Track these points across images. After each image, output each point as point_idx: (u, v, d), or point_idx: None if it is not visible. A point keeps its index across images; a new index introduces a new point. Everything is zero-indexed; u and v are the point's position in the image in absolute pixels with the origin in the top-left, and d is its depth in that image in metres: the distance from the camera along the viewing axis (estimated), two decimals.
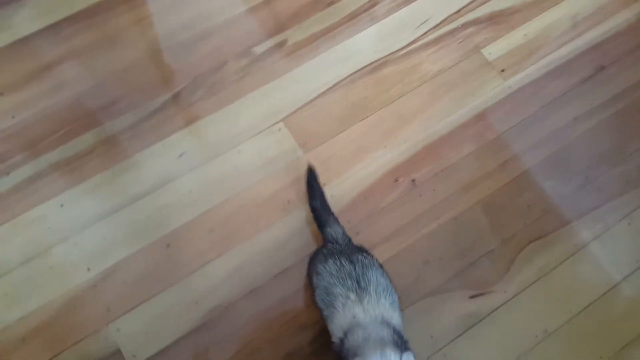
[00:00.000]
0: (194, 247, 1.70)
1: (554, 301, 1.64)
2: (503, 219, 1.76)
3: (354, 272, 1.34)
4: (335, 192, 1.79)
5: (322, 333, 1.55)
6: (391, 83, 1.98)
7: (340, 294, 1.32)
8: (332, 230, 1.56)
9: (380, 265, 1.45)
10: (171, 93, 1.95)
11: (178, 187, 1.80)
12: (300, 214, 1.75)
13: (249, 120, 1.92)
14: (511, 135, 1.88)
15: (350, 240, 1.57)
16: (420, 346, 1.58)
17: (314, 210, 1.66)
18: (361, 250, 1.52)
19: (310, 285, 1.53)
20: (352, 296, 1.29)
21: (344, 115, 1.93)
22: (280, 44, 2.07)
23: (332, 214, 1.65)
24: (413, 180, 1.82)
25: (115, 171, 1.83)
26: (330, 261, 1.40)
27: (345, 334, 1.24)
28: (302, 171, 1.82)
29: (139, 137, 1.88)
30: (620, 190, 1.81)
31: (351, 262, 1.37)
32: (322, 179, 1.79)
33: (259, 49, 2.05)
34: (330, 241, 1.56)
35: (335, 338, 1.31)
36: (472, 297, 1.65)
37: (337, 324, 1.30)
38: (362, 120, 1.92)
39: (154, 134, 1.89)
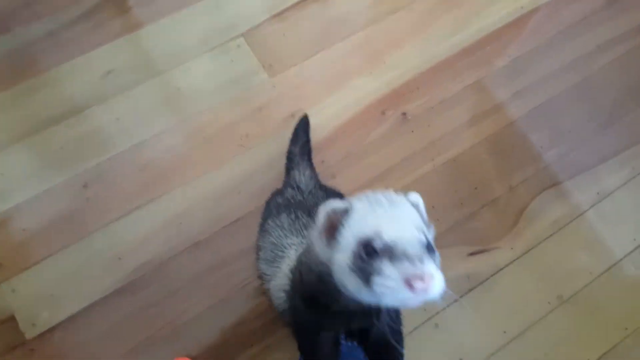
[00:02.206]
0: (119, 188, 1.27)
1: (571, 261, 1.28)
2: (512, 161, 1.38)
3: (312, 223, 0.97)
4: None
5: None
6: None
7: (293, 244, 0.96)
8: (300, 175, 1.16)
9: None
10: None
11: (102, 113, 1.34)
12: (261, 152, 1.33)
13: (201, 33, 1.46)
14: (524, 63, 1.48)
15: (316, 184, 1.18)
16: (406, 315, 1.21)
17: (290, 154, 1.28)
18: (328, 192, 1.15)
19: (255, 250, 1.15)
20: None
21: (322, 32, 1.49)
22: None
23: (310, 160, 1.27)
24: (404, 114, 1.42)
25: (23, 89, 1.36)
26: (284, 215, 1.04)
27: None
28: (266, 99, 1.40)
29: (57, 49, 1.41)
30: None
31: (310, 215, 1.01)
32: (291, 109, 1.38)
33: None
34: (291, 186, 1.17)
35: (278, 298, 0.95)
36: (471, 254, 1.28)
37: (282, 280, 0.94)
38: (344, 39, 1.49)
39: (76, 46, 1.42)
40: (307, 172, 1.18)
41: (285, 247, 0.98)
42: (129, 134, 1.31)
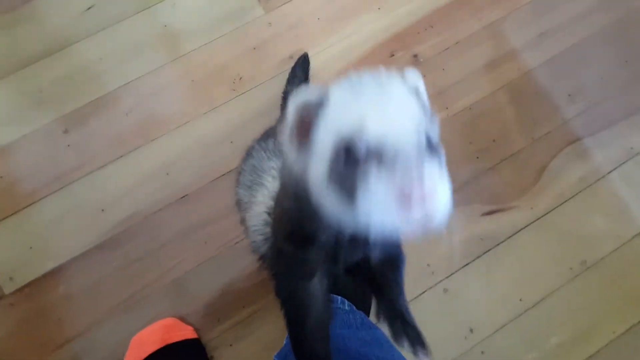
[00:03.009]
0: (102, 134, 1.14)
1: (597, 223, 1.14)
2: (535, 111, 1.21)
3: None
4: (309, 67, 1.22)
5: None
6: None
7: (273, 169, 0.79)
8: None
9: None
10: None
11: (83, 52, 1.20)
12: (255, 97, 1.19)
13: None
14: (551, 0, 1.30)
15: None
16: (414, 276, 1.10)
17: (285, 94, 1.14)
18: None
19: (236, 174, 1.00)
20: None
21: None
22: None
23: None
24: (415, 56, 1.25)
25: None
26: (270, 140, 0.88)
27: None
28: (261, 37, 1.24)
29: None
30: None
31: None
32: (289, 50, 1.22)
33: None
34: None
35: (254, 232, 0.79)
36: (486, 213, 1.14)
37: (258, 208, 0.79)
38: None
39: None
40: None
41: (264, 171, 0.82)
42: (112, 76, 1.17)
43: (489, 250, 1.12)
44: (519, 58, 1.24)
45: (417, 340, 0.63)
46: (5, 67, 1.19)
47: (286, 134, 0.51)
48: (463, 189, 1.16)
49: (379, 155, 0.43)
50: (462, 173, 1.16)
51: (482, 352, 1.07)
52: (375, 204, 0.42)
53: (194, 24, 1.23)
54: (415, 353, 0.62)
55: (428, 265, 1.10)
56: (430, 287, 1.10)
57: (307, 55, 1.19)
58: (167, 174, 1.13)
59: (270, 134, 0.93)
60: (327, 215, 0.49)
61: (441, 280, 1.10)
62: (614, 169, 1.18)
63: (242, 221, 0.93)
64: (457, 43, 1.25)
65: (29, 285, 1.04)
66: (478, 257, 1.12)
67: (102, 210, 1.09)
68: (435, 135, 0.49)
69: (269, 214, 0.76)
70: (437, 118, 0.51)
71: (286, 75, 1.19)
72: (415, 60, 1.24)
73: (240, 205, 0.94)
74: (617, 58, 1.27)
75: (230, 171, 1.13)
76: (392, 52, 1.24)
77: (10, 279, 1.05)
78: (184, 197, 1.11)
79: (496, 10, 1.27)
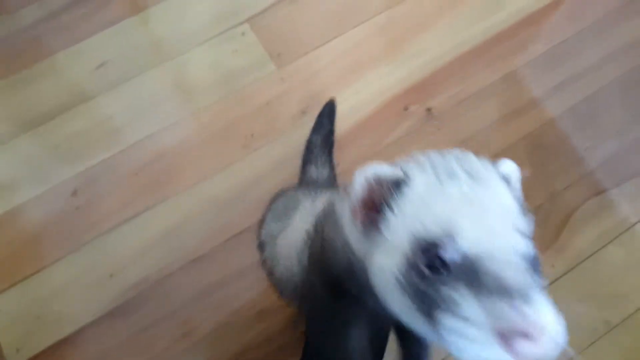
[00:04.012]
0: (111, 195, 1.11)
1: (621, 280, 1.09)
2: (553, 165, 1.17)
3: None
4: None
5: (290, 323, 1.02)
6: None
7: (308, 196, 0.74)
8: (316, 170, 1.00)
9: None
10: None
11: (93, 111, 1.18)
12: (267, 153, 1.15)
13: (200, 19, 1.27)
14: (570, 48, 1.26)
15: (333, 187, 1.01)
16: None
17: (309, 144, 1.09)
18: None
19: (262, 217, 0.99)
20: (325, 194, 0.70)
21: (334, 16, 1.29)
22: None
23: (331, 155, 1.08)
24: (429, 109, 1.22)
25: (8, 84, 1.20)
26: (298, 190, 0.86)
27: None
28: (274, 93, 1.21)
29: (44, 39, 1.24)
30: None
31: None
32: (301, 105, 1.20)
33: None
34: (305, 181, 1.01)
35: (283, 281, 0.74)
36: None
37: (294, 231, 0.72)
38: (360, 24, 1.28)
39: (66, 35, 1.24)
40: (326, 171, 1.00)
41: (300, 199, 0.75)
42: (121, 136, 1.14)
43: None
44: (533, 110, 1.21)
45: None
46: (5, 131, 1.15)
47: (348, 208, 0.44)
48: None
49: (472, 271, 0.34)
50: None
51: None
52: (465, 335, 0.33)
53: (204, 82, 1.21)
54: None
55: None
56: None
57: (334, 102, 1.15)
58: (178, 235, 1.08)
59: (296, 189, 0.90)
60: (389, 307, 0.40)
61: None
62: (637, 222, 1.15)
63: (263, 263, 0.88)
64: (470, 96, 1.22)
65: (36, 357, 0.99)
66: None
67: (111, 275, 1.04)
68: (531, 245, 0.40)
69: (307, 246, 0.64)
70: (532, 218, 0.41)
71: (298, 131, 1.16)
72: (429, 114, 1.21)
73: (265, 242, 0.88)
74: (633, 107, 1.24)
75: (242, 231, 1.09)
76: (406, 106, 1.21)
77: (17, 350, 0.99)
78: (195, 259, 1.07)
79: (509, 62, 1.24)
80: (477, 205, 0.37)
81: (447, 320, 0.34)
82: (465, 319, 0.33)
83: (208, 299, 1.04)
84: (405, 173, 0.43)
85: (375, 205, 0.42)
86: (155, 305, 1.04)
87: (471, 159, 0.42)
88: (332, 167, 1.07)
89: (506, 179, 0.43)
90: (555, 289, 1.08)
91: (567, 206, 1.14)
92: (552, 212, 1.14)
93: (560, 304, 1.13)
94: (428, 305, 0.36)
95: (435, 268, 0.36)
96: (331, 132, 1.13)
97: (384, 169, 0.43)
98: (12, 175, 1.12)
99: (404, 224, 0.39)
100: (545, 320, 0.34)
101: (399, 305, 0.39)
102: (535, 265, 0.38)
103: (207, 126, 1.18)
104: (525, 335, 0.32)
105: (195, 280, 1.05)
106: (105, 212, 1.09)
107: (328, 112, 1.15)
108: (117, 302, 1.03)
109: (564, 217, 1.13)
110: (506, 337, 0.32)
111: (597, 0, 1.30)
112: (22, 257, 1.06)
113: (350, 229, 0.44)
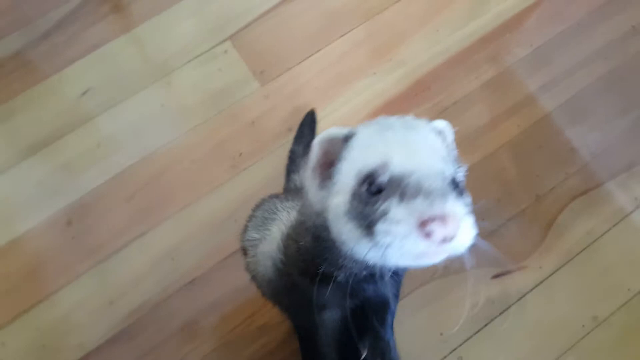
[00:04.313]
0: (105, 223, 1.12)
1: (606, 278, 1.12)
2: (537, 167, 1.19)
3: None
4: None
5: (290, 336, 1.05)
6: None
7: (286, 207, 0.78)
8: (300, 179, 1.02)
9: None
10: (69, 5, 1.29)
11: (81, 139, 1.18)
12: (256, 172, 1.17)
13: (182, 39, 1.27)
14: (547, 52, 1.27)
15: None
16: (428, 346, 1.08)
17: (292, 154, 1.12)
18: None
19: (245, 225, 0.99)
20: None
21: (317, 29, 1.29)
22: None
23: None
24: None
25: None
26: (278, 200, 0.88)
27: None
28: (259, 111, 1.22)
29: (25, 69, 1.23)
30: None
31: None
32: (287, 122, 1.20)
33: None
34: (288, 190, 1.04)
35: (266, 263, 0.77)
36: (495, 276, 1.12)
37: (270, 242, 0.76)
38: (342, 36, 1.28)
39: (47, 64, 1.24)
40: None
41: (277, 210, 0.81)
42: (111, 162, 1.15)
43: (501, 314, 1.10)
44: (518, 113, 1.23)
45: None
46: (4, 160, 1.17)
47: (309, 169, 0.51)
48: (471, 251, 1.14)
49: (401, 187, 0.42)
50: None
51: None
52: (395, 235, 0.41)
53: (190, 103, 1.21)
54: None
55: (441, 334, 1.09)
56: (445, 357, 1.08)
57: (314, 112, 1.17)
58: (172, 259, 1.10)
59: (274, 196, 0.93)
60: (345, 250, 0.48)
61: (454, 349, 1.08)
62: (620, 221, 1.17)
63: (247, 267, 0.91)
64: (455, 102, 1.23)
65: None
66: (491, 320, 1.10)
67: (111, 302, 1.06)
68: (461, 180, 0.49)
69: (284, 244, 0.70)
70: (465, 167, 0.52)
71: (285, 148, 1.17)
72: None
73: (247, 247, 0.91)
74: (617, 105, 1.24)
75: (236, 251, 1.11)
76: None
77: None
78: (191, 281, 1.09)
79: (493, 66, 1.25)
80: (409, 143, 0.47)
81: (381, 226, 0.42)
82: (394, 220, 0.41)
83: (207, 319, 1.07)
84: (352, 130, 0.51)
85: (331, 161, 0.50)
86: (155, 329, 1.06)
87: (408, 118, 0.52)
88: None
89: (440, 134, 0.52)
90: (543, 289, 1.11)
91: (552, 208, 1.16)
92: (537, 215, 1.16)
93: (549, 303, 1.16)
94: (369, 222, 0.43)
95: (373, 191, 0.44)
96: (313, 137, 1.14)
97: (335, 130, 0.51)
98: (4, 208, 1.14)
99: (350, 166, 0.48)
100: (455, 210, 0.41)
101: (349, 234, 0.46)
102: (456, 186, 0.45)
103: (195, 148, 1.19)
104: (439, 220, 0.39)
105: (193, 302, 1.07)
106: (101, 240, 1.10)
107: (309, 122, 1.16)
108: (119, 328, 1.05)
109: (549, 219, 1.16)
110: (426, 228, 0.40)
111: (572, 6, 1.31)
112: (22, 290, 1.07)
113: (312, 188, 0.51)
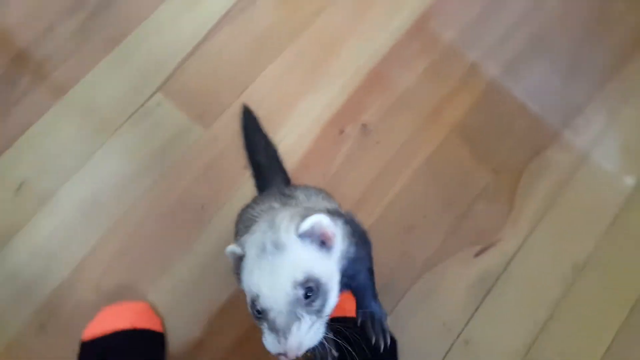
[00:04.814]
0: (81, 318, 1.02)
1: (575, 227, 1.18)
2: (486, 143, 1.23)
3: (277, 191, 0.91)
4: None
5: None
6: None
7: (262, 211, 0.83)
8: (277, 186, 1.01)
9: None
10: None
11: (31, 237, 1.10)
12: (223, 219, 1.13)
13: (110, 102, 1.20)
14: (473, 27, 1.30)
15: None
16: (434, 338, 1.10)
17: (257, 167, 1.10)
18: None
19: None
20: (276, 205, 0.83)
21: (245, 60, 1.26)
22: None
23: (282, 166, 1.12)
24: (363, 125, 1.24)
25: None
26: (249, 208, 0.91)
27: None
28: (210, 155, 1.18)
29: None
30: (615, 65, 1.30)
31: (283, 194, 0.89)
32: (242, 158, 1.17)
33: None
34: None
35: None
36: (477, 254, 1.16)
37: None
38: (274, 60, 1.26)
39: None
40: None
41: (256, 215, 0.84)
42: (69, 252, 1.07)
43: (492, 288, 1.15)
44: (458, 95, 1.26)
45: (380, 331, 0.82)
46: None
47: (229, 265, 0.70)
48: (451, 237, 1.17)
49: (265, 317, 0.62)
50: (444, 223, 1.17)
51: None
52: (268, 342, 0.62)
53: (133, 166, 1.15)
54: (377, 340, 0.81)
55: (444, 324, 1.11)
56: (452, 344, 1.11)
57: (247, 107, 1.17)
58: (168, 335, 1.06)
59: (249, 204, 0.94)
60: None
61: (459, 334, 1.11)
62: (576, 170, 1.21)
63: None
64: (398, 99, 1.24)
65: None
66: (484, 297, 1.14)
67: None
68: (325, 272, 0.64)
69: None
70: (340, 226, 0.69)
71: (246, 185, 1.15)
72: (365, 130, 1.22)
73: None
74: (547, 65, 1.29)
75: (224, 304, 1.08)
76: (341, 129, 1.22)
77: None
78: (190, 350, 1.05)
79: (425, 56, 1.27)
80: (271, 273, 0.62)
81: (264, 335, 0.63)
82: (267, 339, 0.62)
83: None
84: (244, 251, 0.67)
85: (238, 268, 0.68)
86: None
87: (282, 231, 0.64)
88: (289, 181, 1.09)
89: (309, 233, 0.64)
90: (524, 253, 1.15)
91: (510, 177, 1.21)
92: (499, 187, 1.20)
93: (533, 264, 1.21)
94: (259, 327, 0.64)
95: (258, 311, 0.63)
96: (267, 141, 1.14)
97: (233, 249, 0.68)
98: None
99: (245, 284, 0.66)
100: (292, 347, 0.60)
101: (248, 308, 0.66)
102: (315, 294, 0.63)
103: (151, 212, 1.13)
104: (282, 353, 0.61)
105: None
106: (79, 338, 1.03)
107: (249, 122, 1.15)
108: None
109: (510, 188, 1.20)
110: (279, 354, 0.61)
111: None
112: None
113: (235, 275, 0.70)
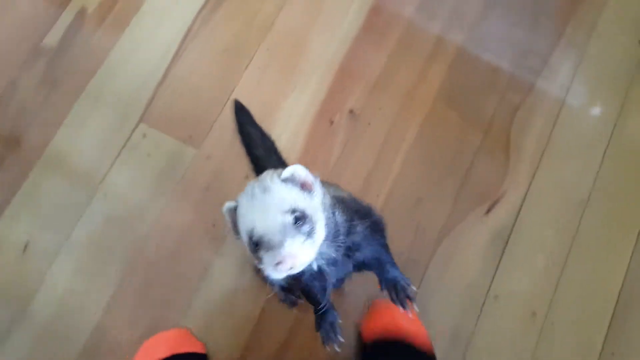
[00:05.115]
0: (122, 357, 1.03)
1: (571, 167, 1.22)
2: (471, 104, 1.25)
3: None
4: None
5: None
6: (258, 0, 1.30)
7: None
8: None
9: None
10: None
11: (47, 299, 1.08)
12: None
13: (95, 143, 1.18)
14: (428, 4, 1.31)
15: None
16: (464, 301, 1.12)
17: (256, 160, 1.12)
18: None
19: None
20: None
21: (221, 71, 1.25)
22: (80, 16, 1.28)
23: (281, 156, 1.13)
24: (351, 111, 1.24)
25: None
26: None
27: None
28: (208, 173, 1.17)
29: None
30: (570, 6, 1.33)
31: None
32: (240, 171, 1.16)
33: (51, 39, 1.25)
34: None
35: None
36: (487, 212, 1.18)
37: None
38: (247, 67, 1.25)
39: None
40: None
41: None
42: (89, 302, 1.06)
43: (508, 240, 1.17)
44: (434, 63, 1.27)
45: (404, 295, 0.85)
46: None
47: (228, 226, 0.76)
48: (459, 201, 1.19)
49: (263, 243, 0.67)
50: (451, 188, 1.19)
51: (552, 323, 1.12)
52: (268, 270, 0.68)
53: (135, 200, 1.14)
54: (403, 304, 0.84)
55: (470, 285, 1.13)
56: (484, 302, 1.14)
57: (239, 102, 1.19)
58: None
59: None
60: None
61: (488, 291, 1.14)
62: (559, 111, 1.25)
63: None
64: (377, 80, 1.25)
65: None
66: (503, 251, 1.17)
67: None
68: (309, 206, 0.71)
69: None
70: (318, 182, 0.74)
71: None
72: (353, 115, 1.23)
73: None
74: (509, 20, 1.31)
75: (259, 315, 1.08)
76: (330, 120, 1.22)
77: None
78: None
79: (392, 32, 1.28)
80: (263, 208, 0.69)
81: (263, 261, 0.68)
82: (264, 264, 0.68)
83: None
84: (237, 202, 0.73)
85: (235, 222, 0.75)
86: None
87: (266, 179, 0.72)
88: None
89: (290, 179, 0.72)
90: (531, 199, 1.19)
91: (502, 130, 1.24)
92: (493, 142, 1.22)
93: (542, 208, 1.24)
94: (258, 258, 0.69)
95: (255, 244, 0.69)
96: (262, 134, 1.15)
97: (228, 204, 0.74)
98: None
99: (242, 228, 0.72)
100: (289, 253, 0.66)
101: (254, 259, 0.71)
102: (300, 219, 0.68)
103: (166, 240, 1.12)
104: (282, 261, 0.66)
105: None
106: None
107: (243, 117, 1.17)
108: None
109: (504, 140, 1.23)
110: (278, 265, 0.66)
111: None
112: None
113: (234, 236, 0.76)
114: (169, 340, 1.01)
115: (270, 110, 1.22)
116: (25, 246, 1.10)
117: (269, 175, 0.72)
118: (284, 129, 1.21)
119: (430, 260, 1.14)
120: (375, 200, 1.17)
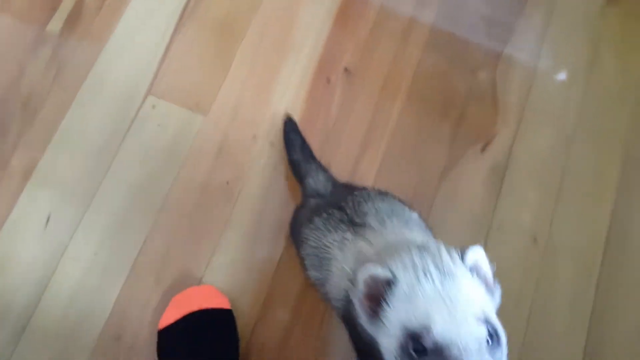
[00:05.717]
0: (151, 318, 1.08)
1: (555, 105, 1.31)
2: (458, 47, 1.33)
3: (345, 216, 0.87)
4: (274, 137, 1.22)
5: None
6: None
7: (335, 241, 0.85)
8: (313, 180, 1.06)
9: (380, 192, 1.00)
10: None
11: (68, 271, 1.11)
12: (250, 190, 1.18)
13: (106, 118, 1.22)
14: None
15: (334, 183, 1.10)
16: (470, 233, 1.19)
17: (293, 164, 1.15)
18: (350, 188, 1.06)
19: (300, 261, 1.04)
20: (349, 236, 0.81)
21: (219, 44, 1.30)
22: (78, 3, 1.33)
23: (316, 160, 1.15)
24: (346, 69, 1.31)
25: None
26: (316, 218, 0.93)
27: (352, 281, 0.76)
28: (219, 137, 1.22)
29: None
30: None
31: (340, 208, 0.90)
32: (247, 132, 1.22)
33: (54, 26, 1.29)
34: (310, 195, 1.07)
35: (337, 301, 0.84)
36: (483, 150, 1.26)
37: (337, 279, 0.83)
38: (243, 39, 1.30)
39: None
40: (321, 176, 1.08)
41: (327, 247, 0.87)
42: (115, 271, 1.10)
43: (505, 175, 1.24)
44: (419, 18, 1.35)
45: None
46: None
47: (357, 297, 0.56)
48: (455, 142, 1.26)
49: (441, 354, 0.47)
50: (446, 132, 1.26)
51: (554, 248, 1.20)
52: None
53: (153, 169, 1.18)
54: None
55: (473, 218, 1.20)
56: (487, 233, 1.19)
57: (291, 116, 1.20)
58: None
59: (311, 213, 0.96)
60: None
61: (491, 223, 1.20)
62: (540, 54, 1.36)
63: (324, 296, 0.95)
64: (368, 37, 1.31)
65: None
66: (501, 184, 1.23)
67: None
68: (495, 320, 0.52)
69: (350, 280, 0.73)
70: (499, 288, 0.55)
71: (262, 155, 1.21)
72: (349, 73, 1.29)
73: (316, 283, 0.96)
74: None
75: (279, 261, 1.13)
76: (327, 78, 1.29)
77: None
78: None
79: (368, 9, 1.33)
80: (446, 299, 0.49)
81: None
82: None
83: None
84: (392, 274, 0.54)
85: (377, 299, 0.54)
86: None
87: (443, 256, 0.54)
88: (323, 169, 1.13)
89: (475, 268, 0.54)
90: (523, 132, 1.26)
91: (488, 75, 1.31)
92: (481, 83, 1.30)
93: (528, 143, 1.31)
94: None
95: (418, 351, 0.49)
96: (303, 143, 1.18)
97: (377, 271, 0.55)
98: None
99: (396, 316, 0.52)
100: None
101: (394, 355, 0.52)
102: (493, 338, 0.50)
103: (183, 204, 1.16)
104: None
105: None
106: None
107: (291, 127, 1.20)
108: None
109: (491, 79, 1.31)
110: None
111: None
112: None
113: (361, 316, 0.56)
114: (196, 296, 1.05)
115: (269, 78, 1.27)
116: (48, 219, 1.13)
117: (443, 252, 0.54)
118: (283, 97, 1.25)
119: (434, 199, 1.20)
120: (378, 153, 1.24)
